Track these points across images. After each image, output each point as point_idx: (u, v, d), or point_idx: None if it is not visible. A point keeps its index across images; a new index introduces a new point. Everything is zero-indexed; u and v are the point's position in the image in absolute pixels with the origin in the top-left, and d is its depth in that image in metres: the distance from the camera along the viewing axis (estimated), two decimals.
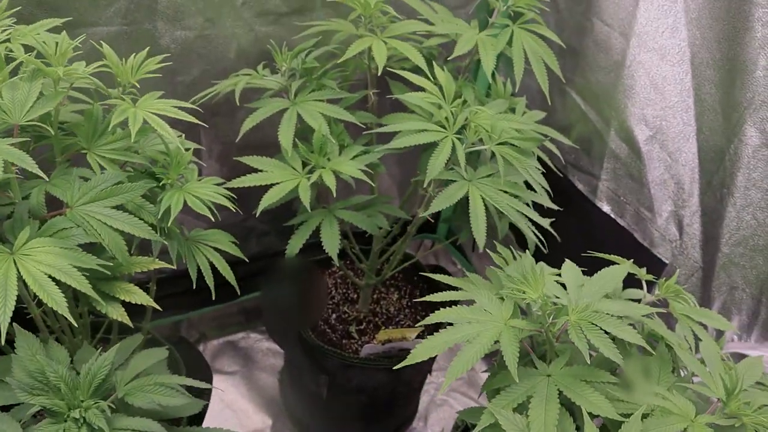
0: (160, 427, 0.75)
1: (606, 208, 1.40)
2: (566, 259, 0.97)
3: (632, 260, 1.01)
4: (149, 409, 0.76)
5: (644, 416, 0.83)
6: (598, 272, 0.94)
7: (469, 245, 1.89)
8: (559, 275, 0.95)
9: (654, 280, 1.01)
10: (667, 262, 1.30)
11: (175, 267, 0.96)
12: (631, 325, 0.97)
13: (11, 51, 0.88)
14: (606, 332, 0.81)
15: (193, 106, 0.96)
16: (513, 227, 1.31)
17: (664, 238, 1.31)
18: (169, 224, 0.91)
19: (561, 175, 1.33)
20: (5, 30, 0.90)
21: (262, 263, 1.71)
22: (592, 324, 0.81)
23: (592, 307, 0.85)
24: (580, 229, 1.46)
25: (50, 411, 0.71)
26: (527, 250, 1.04)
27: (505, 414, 0.80)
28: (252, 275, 1.66)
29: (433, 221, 1.83)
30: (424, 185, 1.02)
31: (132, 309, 1.12)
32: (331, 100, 1.21)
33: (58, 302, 0.72)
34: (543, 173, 1.15)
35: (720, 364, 0.90)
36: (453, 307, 0.89)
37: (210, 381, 1.36)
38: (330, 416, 1.54)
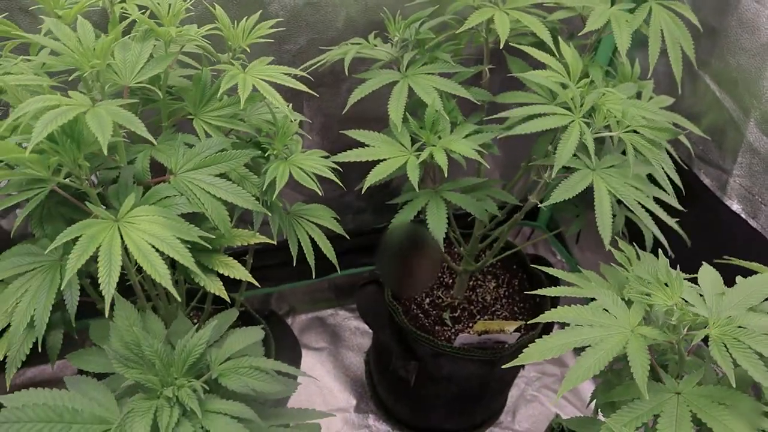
0: (253, 413, 0.71)
1: (736, 207, 1.26)
2: (703, 263, 0.87)
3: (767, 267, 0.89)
4: (242, 392, 0.73)
5: None
6: (742, 280, 0.83)
7: (573, 236, 1.78)
8: (694, 281, 0.84)
9: None
10: None
11: (275, 242, 0.92)
12: None
13: (125, 10, 0.86)
14: (755, 351, 0.71)
15: (304, 73, 0.91)
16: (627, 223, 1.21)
17: None
18: (274, 197, 0.87)
19: (686, 167, 1.21)
20: None
21: (357, 240, 1.67)
22: (737, 340, 0.71)
23: (736, 321, 0.74)
24: (703, 228, 1.33)
25: (143, 386, 0.68)
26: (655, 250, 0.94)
27: None
28: (346, 252, 1.63)
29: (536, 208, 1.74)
30: (552, 174, 0.93)
31: (225, 279, 1.10)
32: (443, 75, 1.14)
33: (161, 274, 0.69)
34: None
35: None
36: (570, 306, 0.81)
37: (299, 358, 1.34)
38: (416, 403, 1.49)
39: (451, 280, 1.47)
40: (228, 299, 0.86)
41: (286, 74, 0.90)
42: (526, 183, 1.43)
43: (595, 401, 0.91)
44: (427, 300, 1.43)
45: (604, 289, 0.82)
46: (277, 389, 0.76)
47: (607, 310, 0.79)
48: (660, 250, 0.92)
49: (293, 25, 1.28)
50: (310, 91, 0.91)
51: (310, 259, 0.96)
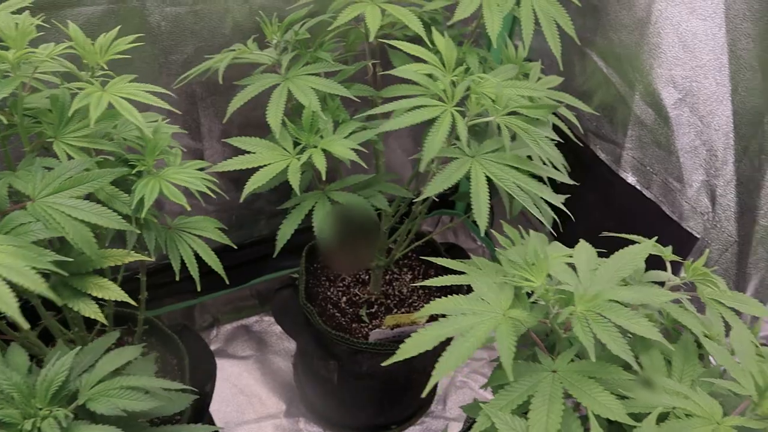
0: None
1: (631, 179, 1.29)
2: (581, 240, 0.88)
3: (660, 235, 0.91)
4: (112, 415, 0.71)
5: (663, 417, 0.74)
6: (615, 253, 0.85)
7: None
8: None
9: (680, 260, 0.91)
10: (698, 236, 1.19)
11: (153, 259, 0.90)
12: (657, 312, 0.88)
13: None
14: (615, 325, 0.72)
15: (164, 90, 0.89)
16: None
17: (695, 210, 1.19)
18: (143, 214, 0.85)
19: (581, 144, 1.23)
20: None
21: (272, 245, 1.66)
22: (600, 315, 0.72)
23: (603, 295, 0.76)
24: (603, 202, 1.36)
25: (3, 422, 0.66)
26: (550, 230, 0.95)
27: (502, 417, 0.72)
28: (263, 257, 1.62)
29: (450, 197, 1.75)
30: (422, 166, 0.93)
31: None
32: (330, 74, 1.13)
33: (8, 304, 0.67)
34: (561, 143, 1.06)
35: (753, 355, 0.80)
36: (450, 296, 0.81)
37: (214, 370, 1.32)
38: (343, 401, 1.49)
39: (367, 276, 1.47)
40: (105, 321, 0.84)
41: (150, 91, 0.88)
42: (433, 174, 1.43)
43: None
44: (344, 298, 1.43)
45: (479, 276, 0.83)
46: (150, 406, 0.74)
47: (483, 298, 0.80)
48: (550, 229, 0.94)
49: (178, 35, 1.26)
50: (173, 109, 0.90)
51: (194, 273, 0.95)
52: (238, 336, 1.67)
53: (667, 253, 0.91)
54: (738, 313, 0.88)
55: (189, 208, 0.87)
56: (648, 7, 1.17)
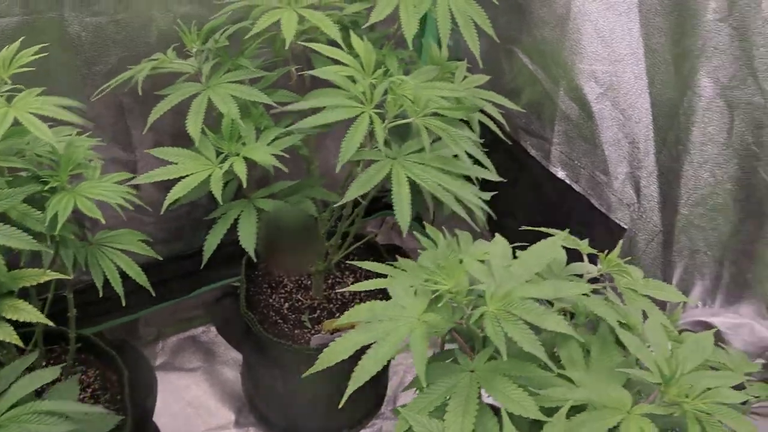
0: None
1: (561, 173, 1.31)
2: (497, 234, 0.89)
3: (591, 228, 0.93)
4: None
5: (580, 409, 0.76)
6: (528, 249, 0.86)
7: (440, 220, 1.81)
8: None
9: (596, 253, 0.92)
10: (626, 227, 1.22)
11: (71, 277, 0.89)
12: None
13: None
14: (525, 321, 0.73)
15: (77, 103, 0.88)
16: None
17: (622, 201, 1.22)
18: (57, 231, 0.84)
19: (510, 142, 1.24)
20: None
21: (215, 253, 1.64)
22: (510, 313, 0.73)
23: (515, 292, 0.77)
24: (536, 197, 1.38)
25: None
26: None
27: (419, 419, 0.73)
28: (206, 267, 1.60)
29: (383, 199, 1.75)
30: (338, 167, 0.93)
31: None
32: (255, 81, 1.13)
33: None
34: (499, 141, 1.07)
35: (665, 343, 0.82)
36: (369, 302, 0.82)
37: (154, 385, 1.31)
38: (293, 409, 1.48)
39: (309, 282, 1.47)
40: (21, 344, 0.82)
41: (60, 105, 0.87)
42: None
43: None
44: (286, 305, 1.42)
45: (400, 280, 0.83)
46: (67, 430, 0.73)
47: (400, 303, 0.80)
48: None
49: (100, 45, 1.24)
50: (87, 122, 0.89)
51: (118, 289, 0.93)
52: (184, 348, 1.65)
53: (584, 246, 0.92)
54: (661, 302, 0.90)
55: (104, 221, 0.86)
56: (567, 3, 1.19)
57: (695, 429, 0.70)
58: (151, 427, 1.33)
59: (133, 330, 1.64)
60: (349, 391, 0.73)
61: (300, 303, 1.43)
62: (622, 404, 0.73)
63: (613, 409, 0.73)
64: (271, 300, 1.43)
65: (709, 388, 0.74)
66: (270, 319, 1.38)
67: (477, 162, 1.08)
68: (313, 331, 1.37)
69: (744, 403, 0.86)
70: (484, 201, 1.03)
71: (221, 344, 1.67)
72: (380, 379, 1.56)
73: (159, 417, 1.36)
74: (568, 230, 0.91)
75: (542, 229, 0.93)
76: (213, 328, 1.68)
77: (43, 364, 1.21)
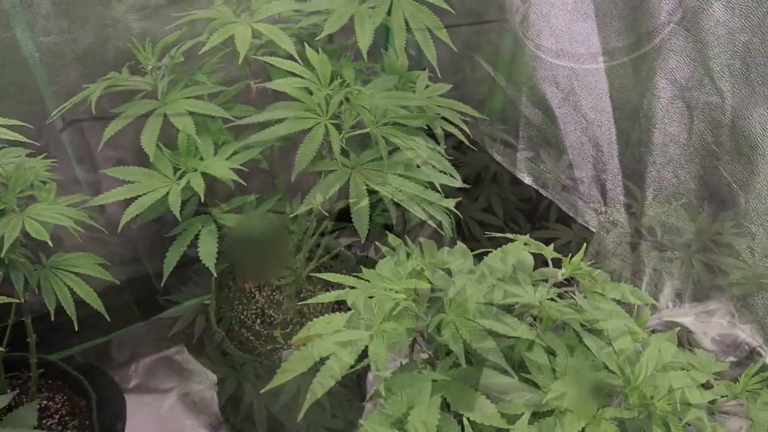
0: None
1: (528, 179, 1.31)
2: (459, 242, 0.88)
3: (562, 232, 0.92)
4: None
5: (545, 415, 0.74)
6: (491, 254, 0.85)
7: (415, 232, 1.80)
8: None
9: (560, 257, 0.92)
10: (594, 230, 1.21)
11: (22, 300, 0.87)
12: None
13: None
14: (484, 327, 0.72)
15: (20, 123, 0.86)
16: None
17: (589, 205, 1.21)
18: (2, 254, 0.82)
19: (475, 149, 1.24)
20: None
21: (185, 272, 1.62)
22: (468, 320, 0.72)
23: (474, 298, 0.76)
24: (508, 204, 1.37)
25: None
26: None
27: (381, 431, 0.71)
28: (180, 284, 1.58)
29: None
30: (293, 176, 0.92)
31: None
32: (212, 96, 1.11)
33: None
34: (472, 149, 1.06)
35: (629, 345, 0.81)
36: (327, 315, 0.80)
37: (122, 410, 1.28)
38: (270, 424, 1.46)
39: (281, 297, 1.45)
40: None
41: (6, 126, 0.85)
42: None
43: None
44: (258, 321, 1.40)
45: (355, 291, 0.82)
46: None
47: (360, 314, 0.79)
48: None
49: (56, 65, 1.22)
50: (30, 141, 0.87)
51: (70, 312, 0.91)
52: (158, 368, 1.62)
53: (547, 250, 0.91)
54: (628, 304, 0.89)
55: (51, 245, 0.84)
56: (525, 9, 1.19)
57: (660, 430, 0.69)
58: None
59: (105, 353, 1.61)
60: (305, 405, 0.72)
61: (272, 318, 1.41)
62: (587, 408, 0.72)
63: (579, 413, 0.71)
64: (242, 317, 1.41)
65: (674, 389, 0.73)
66: (242, 336, 1.36)
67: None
68: (285, 347, 1.35)
69: (713, 402, 0.85)
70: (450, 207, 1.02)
71: (196, 363, 1.64)
72: (358, 393, 1.54)
73: None
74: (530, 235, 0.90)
75: (507, 235, 0.92)
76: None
77: (8, 390, 1.19)
